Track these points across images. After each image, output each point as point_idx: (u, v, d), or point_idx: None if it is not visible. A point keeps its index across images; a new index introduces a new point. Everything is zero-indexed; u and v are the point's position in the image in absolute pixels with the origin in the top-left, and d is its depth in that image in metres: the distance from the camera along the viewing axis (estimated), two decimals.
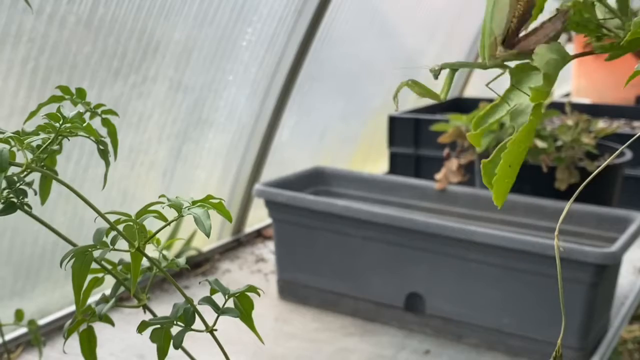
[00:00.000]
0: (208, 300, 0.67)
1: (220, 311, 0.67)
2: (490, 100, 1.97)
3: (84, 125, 0.63)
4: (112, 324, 0.75)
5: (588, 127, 1.91)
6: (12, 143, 0.61)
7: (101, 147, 0.65)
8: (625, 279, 1.95)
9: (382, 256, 1.71)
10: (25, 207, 0.63)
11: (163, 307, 1.79)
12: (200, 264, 2.10)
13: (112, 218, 0.66)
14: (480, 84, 3.59)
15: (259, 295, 0.67)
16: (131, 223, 0.65)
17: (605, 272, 1.50)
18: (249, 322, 0.68)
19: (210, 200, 0.65)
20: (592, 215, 1.74)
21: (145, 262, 2.04)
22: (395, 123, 2.60)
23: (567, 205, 0.58)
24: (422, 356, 1.61)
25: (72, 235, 0.73)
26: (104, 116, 0.68)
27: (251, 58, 2.08)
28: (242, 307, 0.67)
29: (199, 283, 1.95)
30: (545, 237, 1.63)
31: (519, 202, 1.83)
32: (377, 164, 2.96)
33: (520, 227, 1.80)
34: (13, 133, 0.62)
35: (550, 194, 1.81)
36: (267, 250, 2.24)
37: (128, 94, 1.74)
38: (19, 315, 1.16)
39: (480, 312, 1.62)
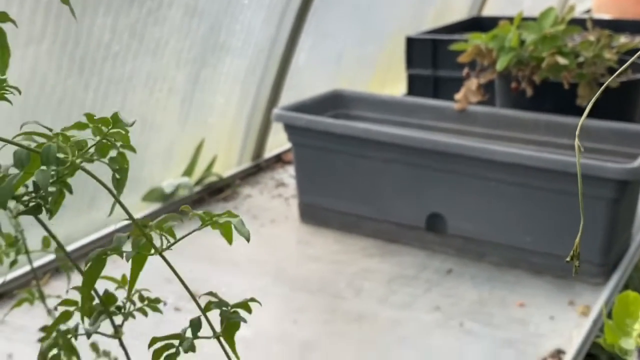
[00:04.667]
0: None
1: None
2: (510, 19, 1.94)
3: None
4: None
5: (610, 43, 1.87)
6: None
7: (117, 177, 0.61)
8: None
9: (402, 178, 1.71)
10: None
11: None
12: (221, 189, 2.11)
13: None
14: (499, 2, 3.53)
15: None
16: None
17: (627, 188, 1.49)
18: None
19: None
20: (613, 131, 1.72)
21: (165, 189, 2.02)
22: (413, 44, 2.56)
23: (582, 118, 0.56)
24: (445, 275, 1.63)
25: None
26: (121, 150, 0.61)
27: None
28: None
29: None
30: (567, 154, 1.62)
31: (540, 120, 1.81)
32: (395, 87, 2.93)
33: (542, 145, 1.79)
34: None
35: (572, 111, 1.79)
36: (287, 174, 2.25)
37: (144, 20, 1.72)
38: (46, 242, 1.17)
39: (501, 231, 1.63)
